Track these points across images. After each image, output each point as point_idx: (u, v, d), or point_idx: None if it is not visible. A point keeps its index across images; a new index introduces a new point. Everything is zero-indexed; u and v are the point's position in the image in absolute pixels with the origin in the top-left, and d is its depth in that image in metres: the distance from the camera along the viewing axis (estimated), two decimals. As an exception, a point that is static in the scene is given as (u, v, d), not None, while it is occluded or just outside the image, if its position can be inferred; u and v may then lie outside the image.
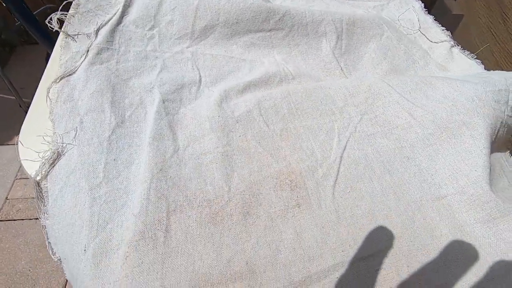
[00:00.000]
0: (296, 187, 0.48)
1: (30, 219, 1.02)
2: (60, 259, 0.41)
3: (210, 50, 0.70)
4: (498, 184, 0.49)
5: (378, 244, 0.43)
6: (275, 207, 0.46)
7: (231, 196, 0.47)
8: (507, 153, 0.56)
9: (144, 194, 0.46)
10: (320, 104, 0.61)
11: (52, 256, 0.40)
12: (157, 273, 0.40)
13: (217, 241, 0.43)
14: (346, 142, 0.55)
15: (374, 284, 0.40)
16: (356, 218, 0.45)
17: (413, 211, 0.46)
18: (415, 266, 0.41)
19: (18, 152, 0.49)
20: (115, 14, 0.67)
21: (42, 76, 0.59)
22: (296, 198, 0.47)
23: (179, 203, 0.46)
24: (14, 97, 1.06)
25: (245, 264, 0.40)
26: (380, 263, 0.41)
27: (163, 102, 0.59)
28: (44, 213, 0.45)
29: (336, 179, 0.49)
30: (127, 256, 0.41)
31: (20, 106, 1.08)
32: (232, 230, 0.44)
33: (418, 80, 0.62)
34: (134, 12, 0.70)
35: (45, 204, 0.46)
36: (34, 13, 0.91)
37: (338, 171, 0.50)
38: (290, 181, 0.49)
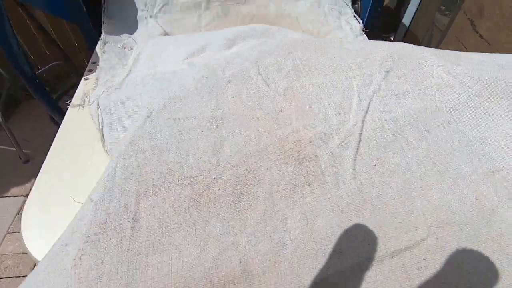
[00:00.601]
0: (305, 159, 0.37)
1: (18, 276, 0.90)
2: None
3: None
4: None
5: (416, 233, 0.32)
6: (277, 186, 0.35)
7: (220, 172, 0.36)
8: None
9: (108, 175, 0.35)
10: (333, 58, 0.49)
11: None
12: (121, 277, 0.30)
13: (200, 232, 0.32)
14: (369, 103, 0.43)
15: None
16: (385, 199, 0.34)
17: (461, 189, 0.34)
18: (468, 263, 0.30)
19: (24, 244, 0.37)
20: (126, 75, 0.58)
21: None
22: (306, 174, 0.36)
23: (151, 183, 0.35)
24: (14, 149, 1.04)
25: (238, 263, 0.30)
26: (419, 260, 0.30)
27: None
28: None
29: (358, 149, 0.38)
30: (81, 255, 0.30)
31: (20, 157, 1.06)
32: (220, 216, 0.33)
33: (442, 51, 0.51)
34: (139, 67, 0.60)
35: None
36: (41, 70, 0.90)
37: (360, 138, 0.39)
38: (298, 152, 0.38)
